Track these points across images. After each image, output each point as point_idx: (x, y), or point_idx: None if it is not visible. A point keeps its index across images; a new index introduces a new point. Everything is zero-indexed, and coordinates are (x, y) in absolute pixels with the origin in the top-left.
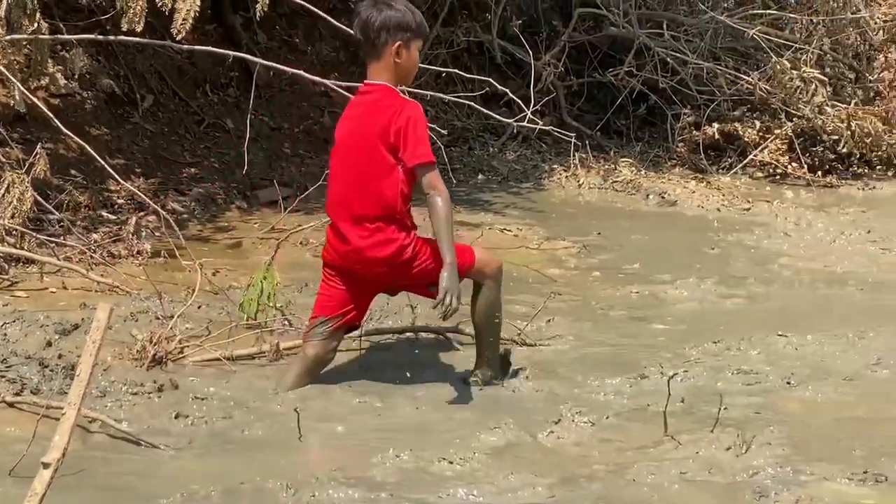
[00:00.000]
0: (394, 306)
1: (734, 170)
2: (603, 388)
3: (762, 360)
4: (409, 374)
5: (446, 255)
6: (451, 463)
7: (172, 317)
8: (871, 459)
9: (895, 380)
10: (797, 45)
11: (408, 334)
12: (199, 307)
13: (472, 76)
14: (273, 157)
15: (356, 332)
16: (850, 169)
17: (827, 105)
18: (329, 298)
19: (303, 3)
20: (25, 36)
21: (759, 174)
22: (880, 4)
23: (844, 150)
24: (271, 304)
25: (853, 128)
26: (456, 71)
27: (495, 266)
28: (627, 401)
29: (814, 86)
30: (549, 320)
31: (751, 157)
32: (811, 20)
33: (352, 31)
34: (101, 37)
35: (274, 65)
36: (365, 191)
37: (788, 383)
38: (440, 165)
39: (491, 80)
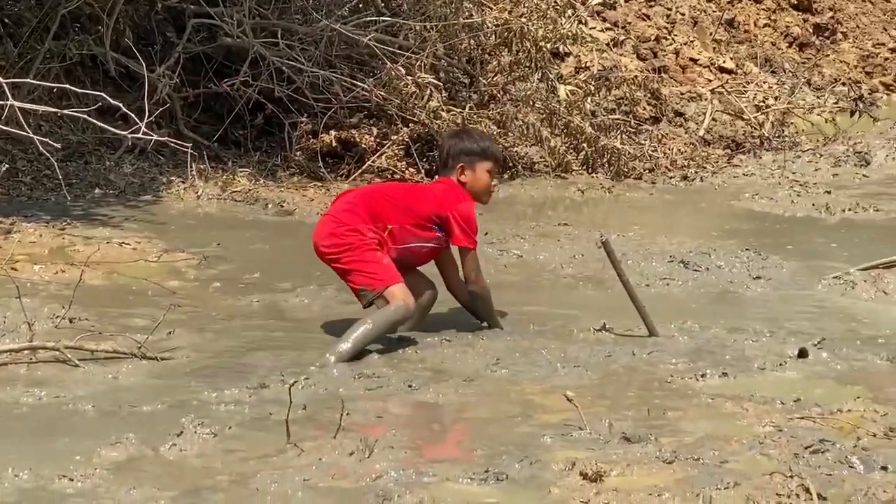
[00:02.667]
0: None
1: (352, 176)
2: (224, 398)
3: (384, 364)
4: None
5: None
6: (71, 480)
7: None
8: (492, 458)
9: (513, 379)
10: (412, 51)
11: None
12: None
13: (84, 91)
14: None
15: None
16: None
17: (442, 110)
18: None
19: None
20: None
21: (378, 180)
22: (492, 8)
23: None
24: None
25: None
26: (67, 86)
27: (405, 301)
28: (249, 410)
29: (429, 91)
30: (169, 332)
31: (368, 163)
32: (425, 26)
33: None
34: None
35: None
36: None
37: (410, 386)
38: (55, 181)
39: (103, 94)
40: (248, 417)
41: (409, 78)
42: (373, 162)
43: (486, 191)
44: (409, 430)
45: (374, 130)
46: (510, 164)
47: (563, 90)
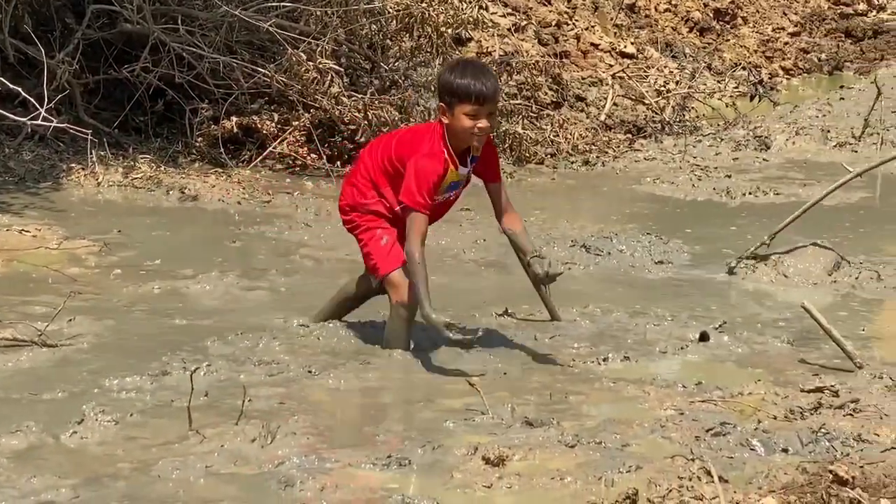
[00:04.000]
0: None
1: (254, 163)
2: (125, 385)
3: (285, 351)
4: None
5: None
6: None
7: None
8: (394, 444)
9: (416, 364)
10: (313, 37)
11: None
12: None
13: None
14: None
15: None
16: None
17: (343, 95)
18: None
19: None
20: None
21: (280, 166)
22: None
23: (362, 139)
24: None
25: (370, 117)
26: None
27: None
28: (150, 397)
29: (330, 77)
30: (70, 320)
31: (270, 149)
32: (326, 11)
33: None
34: None
35: None
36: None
37: (310, 372)
38: None
39: (2, 79)
40: (149, 405)
41: (310, 64)
42: (274, 148)
43: (467, 134)
44: (310, 417)
45: (276, 116)
46: None
47: None
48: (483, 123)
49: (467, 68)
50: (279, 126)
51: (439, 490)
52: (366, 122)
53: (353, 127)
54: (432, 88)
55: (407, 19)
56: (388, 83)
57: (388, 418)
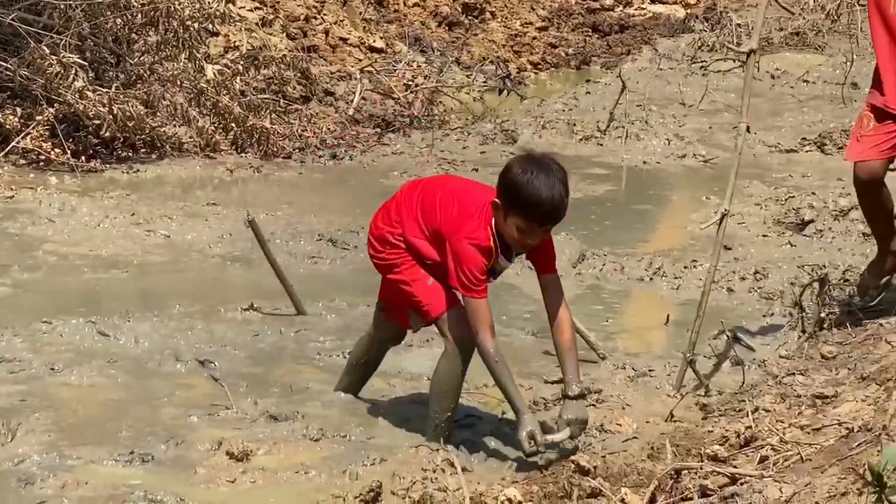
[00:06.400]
0: None
1: None
2: None
3: (27, 348)
4: None
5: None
6: None
7: None
8: (137, 440)
9: (159, 359)
10: (56, 31)
11: None
12: None
13: None
14: None
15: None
16: (115, 153)
17: (88, 90)
18: None
19: None
20: None
21: (23, 161)
22: None
23: (107, 134)
24: None
25: (115, 112)
26: None
27: (470, 331)
28: None
29: (74, 71)
30: None
31: (13, 144)
32: (69, 5)
33: None
34: None
35: None
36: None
37: (53, 369)
38: None
39: None
40: None
41: (54, 58)
42: (17, 143)
43: (512, 241)
44: (52, 414)
45: (19, 111)
46: (159, 145)
47: (210, 70)
48: (534, 241)
49: (546, 177)
50: (22, 121)
51: (182, 485)
52: (111, 116)
53: (98, 122)
54: (178, 83)
55: (153, 13)
56: (133, 77)
57: (131, 415)
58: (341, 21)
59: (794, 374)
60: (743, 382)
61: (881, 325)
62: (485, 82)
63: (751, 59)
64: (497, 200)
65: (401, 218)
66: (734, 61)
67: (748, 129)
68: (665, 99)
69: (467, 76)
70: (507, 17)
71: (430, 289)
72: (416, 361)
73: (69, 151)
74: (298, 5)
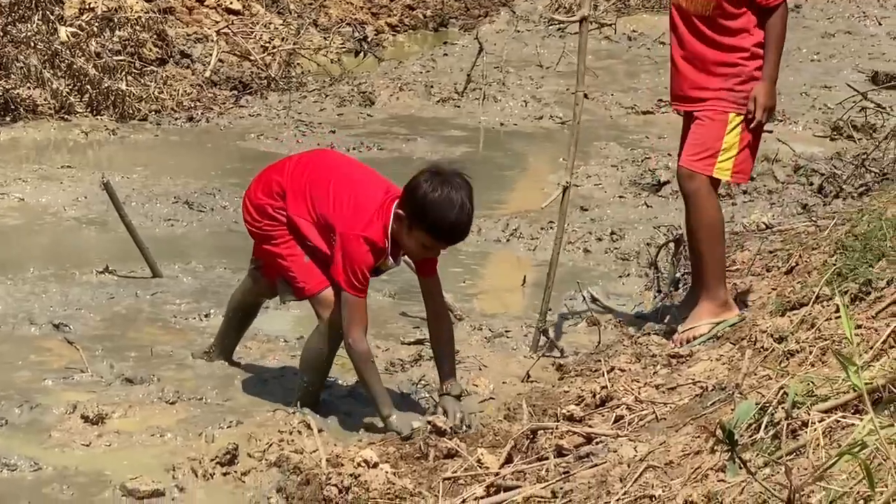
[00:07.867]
0: None
1: None
2: None
3: None
4: None
5: None
6: None
7: None
8: None
9: (12, 323)
10: None
11: None
12: None
13: None
14: None
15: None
16: None
17: None
18: None
19: None
20: None
21: None
22: None
23: None
24: None
25: None
26: None
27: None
28: None
29: None
30: None
31: None
32: None
33: None
34: None
35: None
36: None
37: None
38: None
39: None
40: None
41: None
42: None
43: (410, 252)
44: None
45: None
46: (13, 108)
47: (64, 31)
48: (434, 255)
49: (455, 198)
50: None
51: (37, 449)
52: None
53: None
54: (32, 45)
55: None
56: None
57: None
58: None
59: (649, 334)
60: (599, 342)
61: (735, 284)
62: (342, 44)
63: (584, 26)
64: (401, 212)
65: (284, 192)
66: (595, 25)
67: (585, 96)
68: (522, 61)
69: (325, 38)
70: None
71: (306, 266)
72: (272, 323)
73: None
74: None
